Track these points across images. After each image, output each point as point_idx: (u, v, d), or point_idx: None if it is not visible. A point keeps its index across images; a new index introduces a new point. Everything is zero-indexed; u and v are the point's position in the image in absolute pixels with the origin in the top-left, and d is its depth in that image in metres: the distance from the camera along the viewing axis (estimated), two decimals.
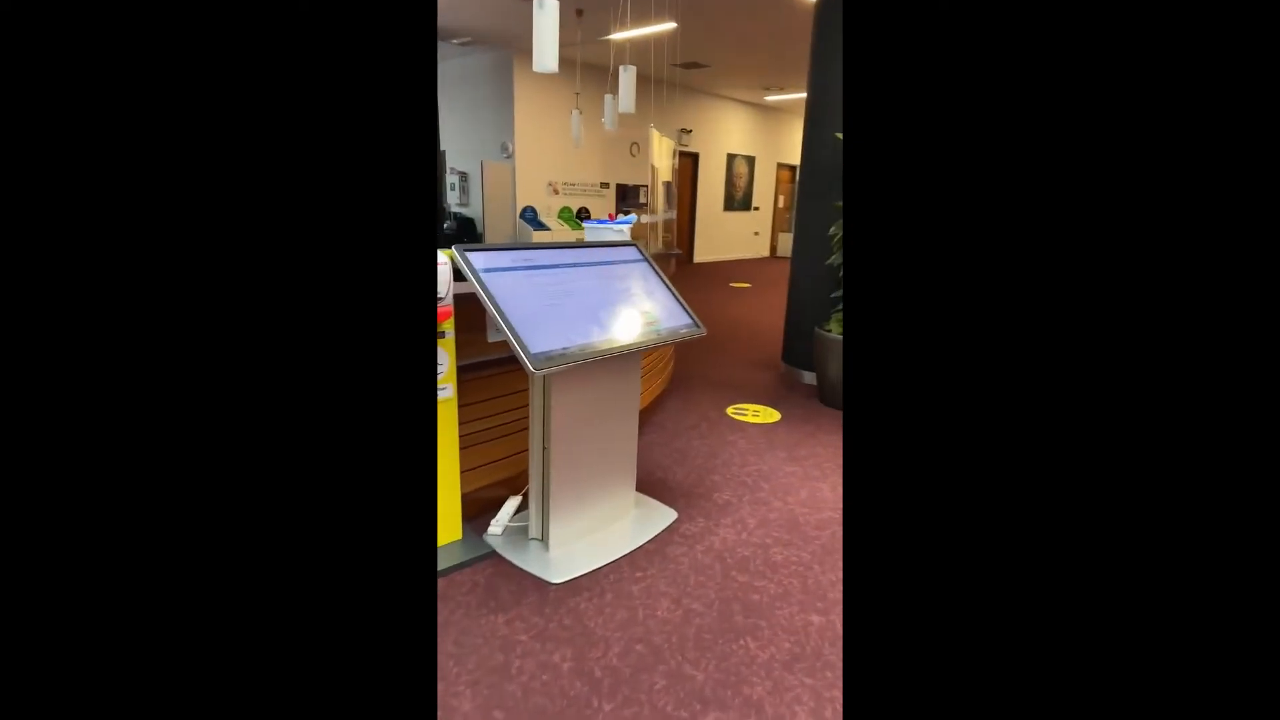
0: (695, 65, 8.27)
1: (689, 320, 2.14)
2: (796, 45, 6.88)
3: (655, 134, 5.00)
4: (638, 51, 7.54)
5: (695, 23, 6.23)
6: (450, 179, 8.43)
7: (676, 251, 3.79)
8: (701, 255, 11.25)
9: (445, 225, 7.75)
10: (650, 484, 2.49)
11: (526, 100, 7.77)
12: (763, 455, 2.80)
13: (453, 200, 8.48)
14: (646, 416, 3.21)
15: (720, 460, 2.73)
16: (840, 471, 2.64)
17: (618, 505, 2.16)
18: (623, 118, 9.09)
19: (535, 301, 1.79)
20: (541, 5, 2.83)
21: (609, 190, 9.33)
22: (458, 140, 8.40)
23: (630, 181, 9.65)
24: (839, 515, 2.26)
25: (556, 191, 8.56)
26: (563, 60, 7.94)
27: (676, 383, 3.86)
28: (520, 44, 7.20)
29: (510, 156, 8.06)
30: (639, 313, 2.01)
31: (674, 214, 4.66)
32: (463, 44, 7.29)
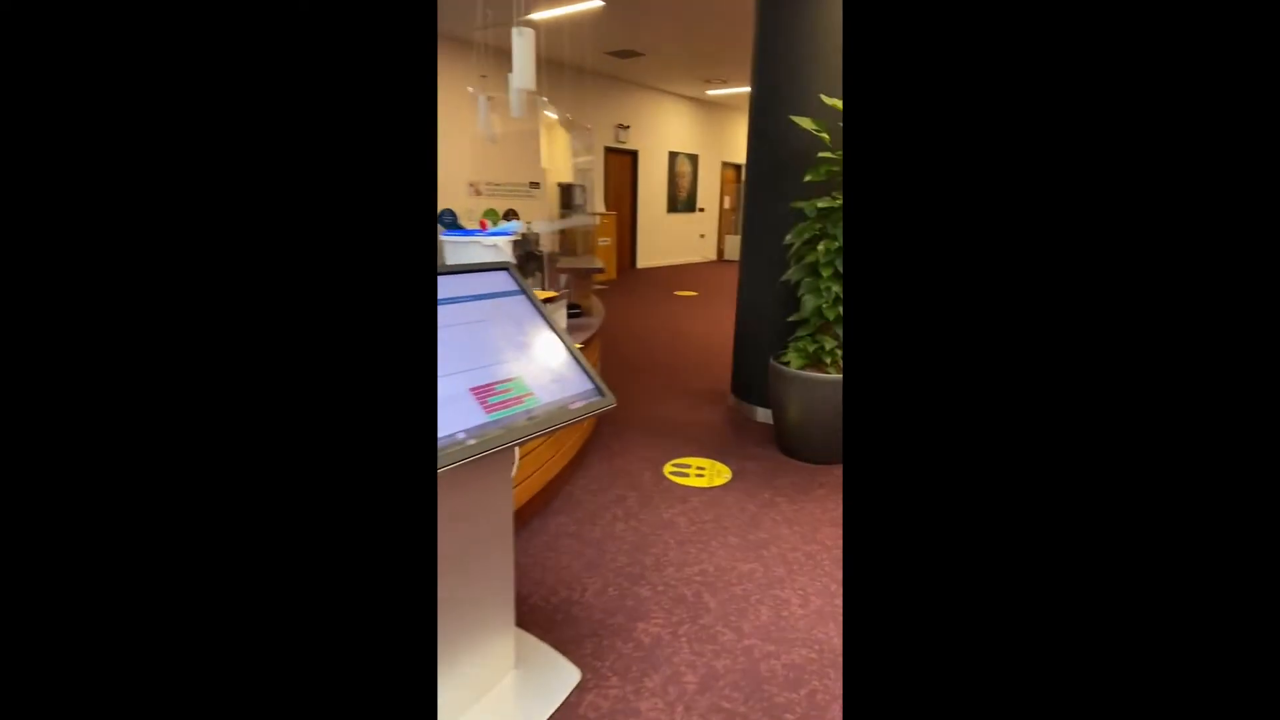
0: (629, 54, 7.57)
1: (588, 386, 1.40)
2: (738, 33, 6.25)
3: (545, 122, 4.26)
4: (562, 35, 6.79)
5: (624, 4, 5.52)
6: None
7: (596, 266, 3.05)
8: (645, 260, 10.56)
9: None
10: (547, 610, 1.75)
11: (441, 89, 6.90)
12: (708, 543, 2.10)
13: None
14: (558, 485, 2.46)
15: (651, 557, 2.01)
16: (814, 570, 1.96)
17: (484, 667, 1.41)
18: (548, 107, 8.34)
19: None
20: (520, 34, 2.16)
21: (541, 190, 8.52)
22: None
23: (567, 180, 8.87)
24: (818, 654, 1.57)
25: (479, 192, 7.72)
26: (469, 44, 7.12)
27: (604, 426, 3.13)
28: None
29: None
30: (506, 381, 1.27)
31: (593, 219, 3.93)
32: None
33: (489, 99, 5.14)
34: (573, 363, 1.42)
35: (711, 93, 10.29)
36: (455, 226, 6.35)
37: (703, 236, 12.01)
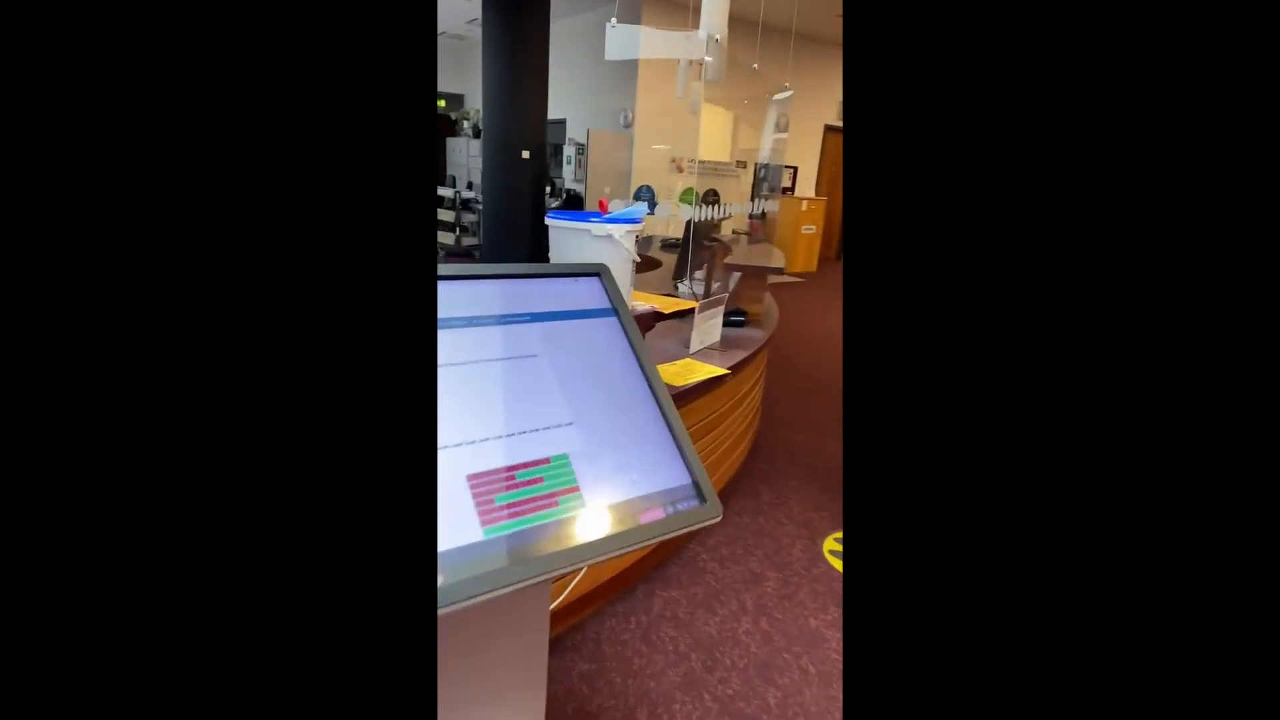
0: None
1: (683, 480, 0.85)
2: None
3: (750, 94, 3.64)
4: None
5: None
6: (568, 151, 7.49)
7: (773, 265, 2.42)
8: None
9: (551, 203, 6.85)
10: None
11: (653, 61, 6.59)
12: None
13: (568, 175, 7.56)
14: (673, 544, 1.96)
15: (778, 691, 1.43)
16: None
17: None
18: (761, 78, 7.58)
19: None
20: None
21: (746, 170, 7.91)
22: (578, 107, 7.44)
23: (775, 161, 8.15)
24: None
25: (681, 169, 7.34)
26: (686, 7, 6.65)
27: (758, 460, 2.54)
28: None
29: (629, 126, 6.96)
30: (540, 463, 0.78)
31: (772, 206, 3.27)
32: None
33: (689, 63, 4.65)
34: (667, 437, 0.88)
35: None
36: (650, 204, 6.08)
37: None
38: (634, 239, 1.27)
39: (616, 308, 1.00)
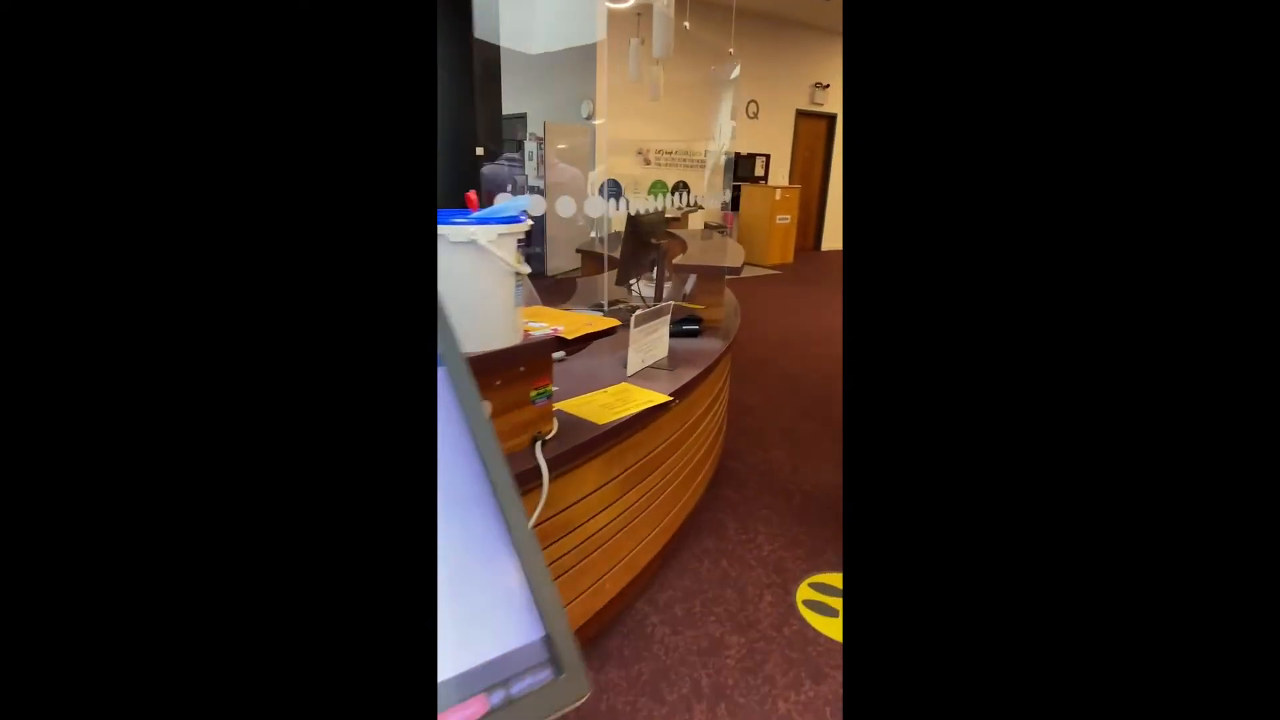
0: None
1: (532, 635, 0.53)
2: None
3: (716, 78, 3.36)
4: None
5: None
6: (529, 146, 7.11)
7: (731, 266, 2.10)
8: (832, 242, 9.18)
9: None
10: None
11: (614, 46, 6.25)
12: None
13: (531, 172, 7.18)
14: (638, 584, 1.64)
15: None
16: None
17: None
18: (742, 72, 7.24)
19: None
20: None
21: (716, 160, 7.60)
22: (538, 99, 7.07)
23: (746, 150, 7.85)
24: None
25: (648, 161, 7.02)
26: None
27: (726, 476, 2.23)
28: None
29: (590, 118, 6.61)
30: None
31: (712, 202, 2.98)
32: None
33: (640, 41, 4.30)
34: (509, 565, 0.55)
35: None
36: (620, 198, 5.74)
37: None
38: (514, 244, 0.95)
39: (448, 366, 0.66)
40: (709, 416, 2.04)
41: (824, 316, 4.98)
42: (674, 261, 2.15)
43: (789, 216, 7.57)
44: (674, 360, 1.79)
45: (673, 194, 7.59)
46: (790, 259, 7.79)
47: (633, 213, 2.06)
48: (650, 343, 1.69)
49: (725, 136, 4.84)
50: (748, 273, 6.96)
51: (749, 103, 7.63)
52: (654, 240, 2.11)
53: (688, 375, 1.68)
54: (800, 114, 8.17)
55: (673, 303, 1.80)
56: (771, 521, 2.04)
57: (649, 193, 7.46)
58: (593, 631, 1.51)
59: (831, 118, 8.51)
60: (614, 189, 6.66)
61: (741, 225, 7.82)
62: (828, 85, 8.23)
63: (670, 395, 1.47)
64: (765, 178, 8.08)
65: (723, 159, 5.38)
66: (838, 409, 3.03)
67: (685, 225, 6.17)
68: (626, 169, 6.88)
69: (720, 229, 7.81)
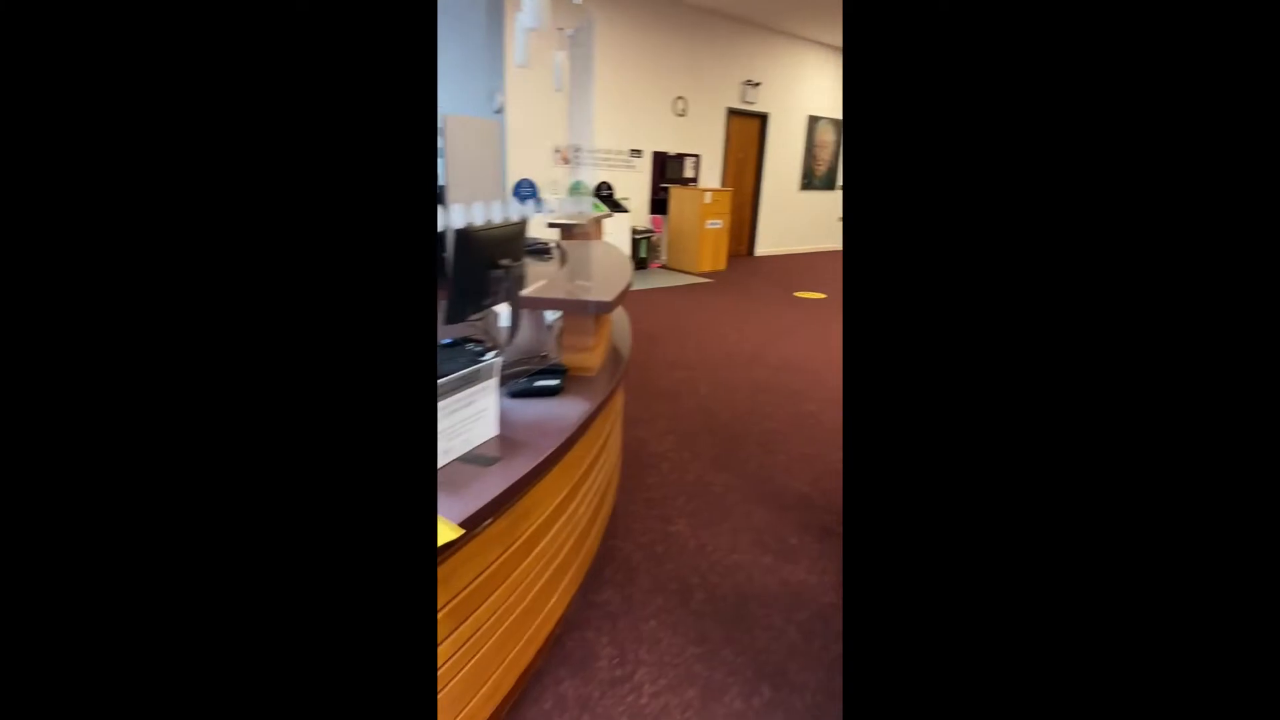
0: None
1: None
2: None
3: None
4: None
5: None
6: (442, 141, 6.43)
7: (594, 300, 1.57)
8: (766, 246, 8.84)
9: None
10: None
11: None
12: None
13: (441, 171, 6.50)
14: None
15: None
16: None
17: None
18: (668, 66, 6.74)
19: None
20: None
21: (641, 159, 7.10)
22: (444, 90, 6.38)
23: (674, 149, 7.38)
24: None
25: (566, 160, 6.44)
26: None
27: (604, 578, 1.71)
28: None
29: (500, 112, 5.99)
30: None
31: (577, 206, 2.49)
32: None
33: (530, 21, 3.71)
34: None
35: None
36: (533, 200, 5.10)
37: (841, 220, 10.03)
38: None
39: None
40: (583, 492, 1.51)
41: (752, 330, 4.54)
42: (527, 292, 1.60)
43: (721, 221, 7.15)
44: (511, 443, 1.25)
45: (598, 195, 7.06)
46: (723, 266, 7.37)
47: (466, 225, 1.51)
48: (463, 424, 1.14)
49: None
50: (677, 281, 6.49)
51: (676, 99, 7.17)
52: (501, 263, 1.56)
53: (521, 468, 1.14)
54: (732, 112, 7.77)
55: (499, 360, 1.25)
56: (660, 643, 1.52)
57: (570, 194, 6.90)
58: None
59: (763, 117, 8.15)
60: (527, 190, 6.07)
61: (670, 230, 7.35)
62: (759, 83, 7.86)
63: (460, 526, 0.93)
64: (695, 179, 7.64)
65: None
66: (756, 454, 2.55)
67: (599, 235, 5.64)
68: (544, 169, 6.29)
69: (648, 235, 7.33)
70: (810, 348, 4.19)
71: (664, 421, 2.84)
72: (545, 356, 1.62)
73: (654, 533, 1.98)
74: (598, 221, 5.73)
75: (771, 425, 2.86)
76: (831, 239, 9.88)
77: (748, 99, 7.83)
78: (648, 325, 4.60)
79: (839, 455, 2.59)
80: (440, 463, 1.11)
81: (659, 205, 7.35)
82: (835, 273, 7.50)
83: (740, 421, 2.90)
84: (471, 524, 0.97)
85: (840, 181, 9.69)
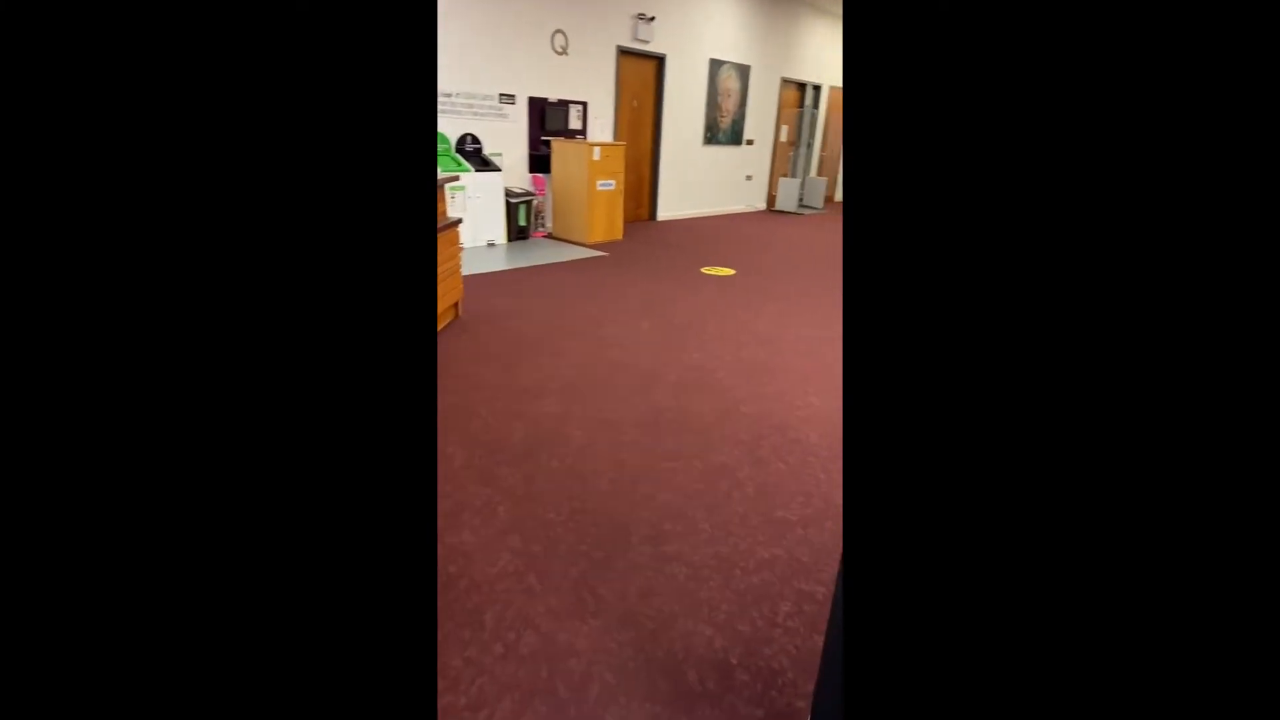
0: None
1: None
2: None
3: None
4: None
5: None
6: None
7: None
8: (668, 209, 7.89)
9: None
10: None
11: None
12: None
13: None
14: None
15: None
16: None
17: None
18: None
19: None
20: None
21: (515, 107, 5.89)
22: None
23: (555, 95, 6.20)
24: None
25: None
26: None
27: None
28: None
29: None
30: None
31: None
32: None
33: None
34: None
35: None
36: None
37: (750, 179, 9.21)
38: None
39: None
40: None
41: (650, 326, 3.61)
42: None
43: (614, 181, 6.10)
44: None
45: (459, 151, 5.81)
46: (619, 235, 6.36)
47: None
48: None
49: None
50: (563, 254, 5.42)
51: (555, 33, 5.96)
52: None
53: None
54: (623, 52, 6.65)
55: None
56: None
57: None
58: None
59: (660, 59, 7.08)
60: None
61: (555, 193, 6.22)
62: (653, 18, 6.75)
63: None
64: (583, 132, 6.51)
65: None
66: (644, 565, 1.63)
67: (443, 210, 4.47)
68: None
69: (527, 199, 6.18)
70: (720, 347, 3.31)
71: (506, 510, 1.87)
72: None
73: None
74: (440, 188, 4.53)
75: (669, 499, 1.95)
76: (738, 199, 9.06)
77: (640, 36, 6.72)
78: (518, 324, 3.56)
79: (769, 547, 1.71)
80: None
81: (540, 163, 6.19)
82: (743, 242, 6.67)
83: (624, 495, 1.97)
84: None
85: (746, 136, 8.82)
